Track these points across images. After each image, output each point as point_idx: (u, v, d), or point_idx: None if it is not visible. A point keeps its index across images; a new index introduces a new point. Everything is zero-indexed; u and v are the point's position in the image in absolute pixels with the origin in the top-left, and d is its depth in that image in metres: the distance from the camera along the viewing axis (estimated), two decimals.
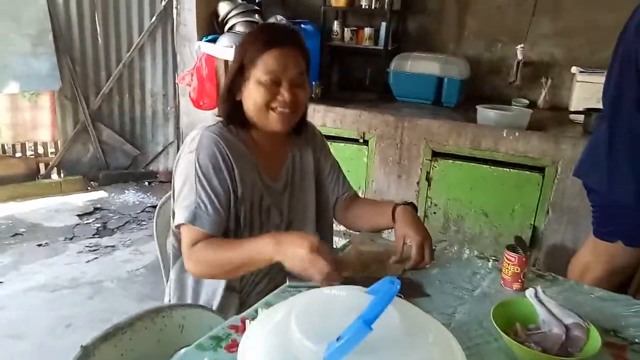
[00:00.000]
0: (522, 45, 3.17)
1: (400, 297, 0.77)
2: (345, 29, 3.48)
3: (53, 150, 4.05)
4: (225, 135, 1.29)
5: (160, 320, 1.06)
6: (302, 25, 3.35)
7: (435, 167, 2.83)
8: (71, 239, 3.22)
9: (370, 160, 3.00)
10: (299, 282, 1.18)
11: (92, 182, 4.12)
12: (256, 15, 3.46)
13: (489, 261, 1.37)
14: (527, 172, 2.64)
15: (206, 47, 3.29)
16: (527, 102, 3.21)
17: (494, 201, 2.74)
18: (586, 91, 2.88)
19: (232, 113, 1.32)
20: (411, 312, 0.77)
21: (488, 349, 0.99)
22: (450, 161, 2.80)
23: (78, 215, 3.55)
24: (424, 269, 1.30)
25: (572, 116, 2.89)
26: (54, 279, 2.74)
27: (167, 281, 1.48)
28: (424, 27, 3.59)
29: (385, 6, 3.30)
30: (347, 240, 1.52)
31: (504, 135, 2.65)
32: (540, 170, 2.62)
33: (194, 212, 1.21)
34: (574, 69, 3.04)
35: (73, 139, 4.02)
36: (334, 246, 1.55)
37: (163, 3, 3.97)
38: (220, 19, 3.51)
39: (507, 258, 1.22)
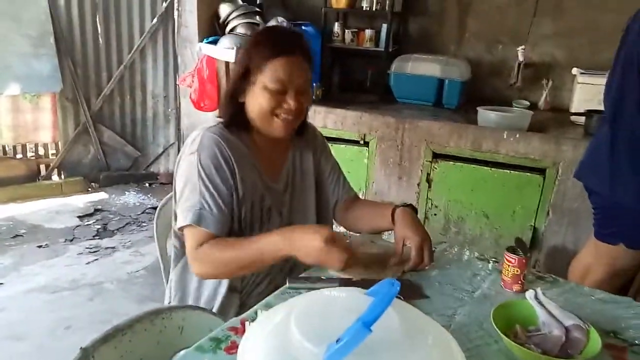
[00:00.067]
0: (522, 46, 3.17)
1: (400, 298, 0.77)
2: (346, 30, 3.48)
3: (54, 151, 4.06)
4: (226, 136, 1.29)
5: (159, 322, 1.06)
6: (303, 27, 3.36)
7: (436, 168, 2.83)
8: (71, 240, 3.22)
9: (371, 162, 3.00)
10: (299, 283, 1.18)
11: (92, 184, 4.12)
12: (257, 17, 3.47)
13: (489, 263, 1.36)
14: (528, 174, 2.64)
15: (207, 49, 3.29)
16: (528, 103, 3.22)
17: (494, 203, 2.73)
18: (587, 93, 2.87)
19: (235, 115, 1.32)
20: (411, 313, 0.77)
21: (488, 351, 0.99)
22: (451, 163, 2.80)
23: (78, 217, 3.56)
24: (423, 271, 1.30)
25: (573, 118, 2.90)
26: (54, 281, 2.74)
27: (167, 283, 1.48)
28: (424, 29, 3.59)
29: (386, 8, 3.30)
30: (347, 241, 1.52)
31: (505, 136, 2.65)
32: (541, 171, 2.62)
33: (199, 213, 1.21)
34: (574, 71, 3.04)
35: (74, 141, 4.02)
36: None
37: (164, 4, 3.97)
38: (221, 20, 3.51)
39: (507, 260, 1.21)
